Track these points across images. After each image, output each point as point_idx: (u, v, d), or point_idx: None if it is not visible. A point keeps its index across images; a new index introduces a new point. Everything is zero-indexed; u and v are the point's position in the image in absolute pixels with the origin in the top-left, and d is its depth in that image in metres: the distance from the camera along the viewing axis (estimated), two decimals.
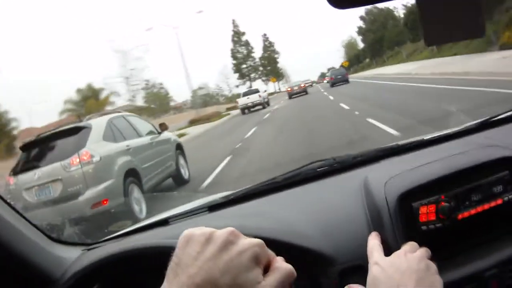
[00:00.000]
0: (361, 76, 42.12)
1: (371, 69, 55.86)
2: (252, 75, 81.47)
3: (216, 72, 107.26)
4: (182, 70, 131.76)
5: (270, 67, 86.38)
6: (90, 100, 36.92)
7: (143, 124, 7.75)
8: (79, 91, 38.62)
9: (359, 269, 0.93)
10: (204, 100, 66.86)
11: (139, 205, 6.08)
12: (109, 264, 1.04)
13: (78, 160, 5.70)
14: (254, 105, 29.83)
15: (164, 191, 7.51)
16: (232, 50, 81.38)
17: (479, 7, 0.59)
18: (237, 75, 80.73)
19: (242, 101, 30.37)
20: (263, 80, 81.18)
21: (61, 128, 6.42)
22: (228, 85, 76.61)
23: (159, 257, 0.89)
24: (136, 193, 6.14)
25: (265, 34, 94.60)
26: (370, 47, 62.73)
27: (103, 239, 1.36)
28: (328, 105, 17.43)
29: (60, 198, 5.68)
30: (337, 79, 35.45)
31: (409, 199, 0.94)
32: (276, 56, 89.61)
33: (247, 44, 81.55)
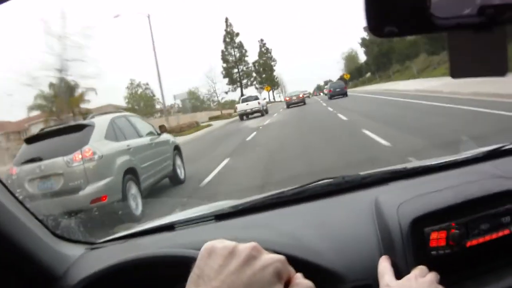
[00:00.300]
0: (367, 91, 36.58)
1: (374, 83, 51.55)
2: (244, 81, 72.56)
3: (202, 75, 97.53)
4: (170, 71, 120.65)
5: (266, 74, 79.24)
6: (61, 97, 31.80)
7: (143, 125, 8.07)
8: (51, 85, 32.42)
9: None
10: (194, 105, 61.85)
11: (135, 201, 6.37)
12: (119, 270, 1.03)
13: (80, 156, 5.97)
14: (253, 112, 30.15)
15: (160, 190, 7.79)
16: (223, 52, 72.01)
17: (505, 49, 0.61)
18: (226, 80, 71.73)
19: (241, 107, 30.73)
20: (256, 88, 70.93)
21: (65, 125, 6.77)
22: (215, 90, 65.84)
23: (170, 266, 0.95)
24: (133, 190, 6.42)
25: (262, 40, 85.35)
26: (375, 60, 56.37)
27: (107, 239, 1.37)
28: (349, 134, 10.69)
29: (61, 192, 5.92)
30: (336, 91, 36.16)
31: (421, 224, 0.96)
32: (272, 63, 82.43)
33: (240, 46, 72.22)
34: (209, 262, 0.53)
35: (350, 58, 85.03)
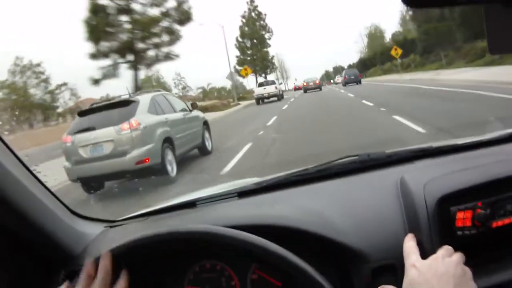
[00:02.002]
0: None
1: (437, 68, 30.11)
2: (151, 53, 24.17)
3: None
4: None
5: (253, 50, 52.05)
6: None
7: (177, 102, 9.41)
8: None
9: (391, 269, 0.93)
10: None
11: (171, 165, 7.66)
12: (138, 247, 0.94)
13: (128, 126, 7.22)
14: (270, 96, 31.10)
15: (191, 159, 9.06)
16: None
17: None
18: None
19: (258, 91, 31.57)
20: (236, 71, 40.69)
21: (114, 100, 8.05)
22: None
23: (190, 242, 0.94)
24: (169, 156, 7.69)
25: (252, 0, 54.72)
26: (465, 23, 27.38)
27: (127, 216, 1.36)
28: None
29: (111, 155, 7.19)
30: (351, 79, 38.60)
31: (447, 203, 0.94)
32: (266, 35, 54.22)
33: None
34: None
35: (375, 36, 65.34)
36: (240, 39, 50.33)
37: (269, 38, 54.37)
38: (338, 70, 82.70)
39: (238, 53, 51.34)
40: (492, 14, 0.62)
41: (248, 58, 50.59)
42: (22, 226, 0.99)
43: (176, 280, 1.13)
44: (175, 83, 43.01)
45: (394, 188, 1.10)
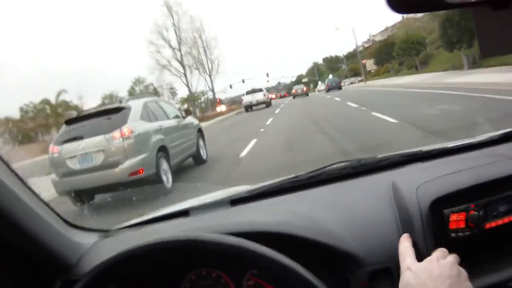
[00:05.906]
0: None
1: None
2: None
3: None
4: None
5: None
6: None
7: (170, 108, 8.94)
8: None
9: (387, 272, 0.95)
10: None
11: (166, 175, 7.18)
12: (134, 256, 0.93)
13: (119, 134, 6.74)
14: (258, 103, 31.44)
15: (186, 168, 8.60)
16: None
17: None
18: None
19: (247, 99, 31.96)
20: None
21: (104, 107, 7.55)
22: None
23: (185, 250, 0.91)
24: (164, 166, 7.22)
25: None
26: None
27: (121, 226, 1.36)
28: None
29: (102, 166, 6.69)
30: (332, 86, 45.67)
31: (440, 205, 0.96)
32: None
33: None
34: None
35: None
36: None
37: None
38: (332, 61, 66.84)
39: None
40: (481, 17, 0.62)
41: None
42: (16, 237, 0.98)
43: None
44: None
45: (386, 193, 1.11)
